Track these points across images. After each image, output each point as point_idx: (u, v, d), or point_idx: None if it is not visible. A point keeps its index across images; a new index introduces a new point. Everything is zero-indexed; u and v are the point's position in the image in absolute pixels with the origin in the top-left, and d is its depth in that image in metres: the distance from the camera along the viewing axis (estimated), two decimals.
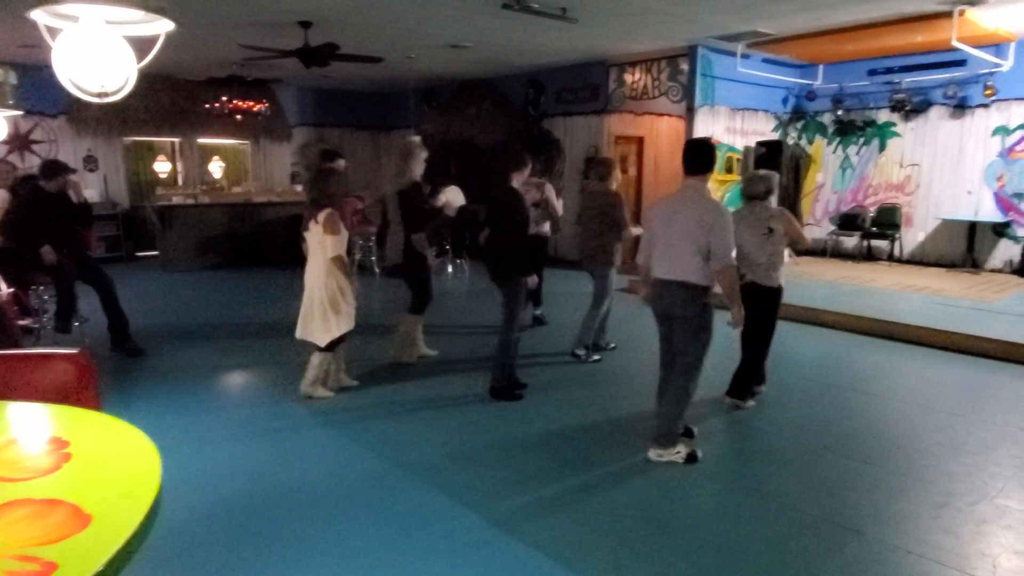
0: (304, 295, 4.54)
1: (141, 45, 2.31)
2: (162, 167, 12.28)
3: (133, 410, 4.31)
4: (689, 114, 9.24)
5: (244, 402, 4.75)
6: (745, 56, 9.18)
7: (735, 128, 9.89)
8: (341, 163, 5.99)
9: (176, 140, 12.38)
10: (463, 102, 12.20)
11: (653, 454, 3.66)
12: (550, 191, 6.68)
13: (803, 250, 7.90)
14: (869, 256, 10.17)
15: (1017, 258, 8.94)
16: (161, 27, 2.19)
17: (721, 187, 9.77)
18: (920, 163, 9.81)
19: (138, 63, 2.23)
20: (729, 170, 9.94)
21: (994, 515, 3.12)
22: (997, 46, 8.36)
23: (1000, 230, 9.14)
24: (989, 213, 9.21)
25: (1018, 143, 8.91)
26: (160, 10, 2.02)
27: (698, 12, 7.19)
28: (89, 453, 1.67)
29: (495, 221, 4.64)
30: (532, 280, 4.58)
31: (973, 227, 9.22)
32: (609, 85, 10.30)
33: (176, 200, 10.52)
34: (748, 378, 4.48)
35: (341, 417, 4.30)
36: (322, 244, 4.39)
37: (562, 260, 10.18)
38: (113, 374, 5.16)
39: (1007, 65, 8.48)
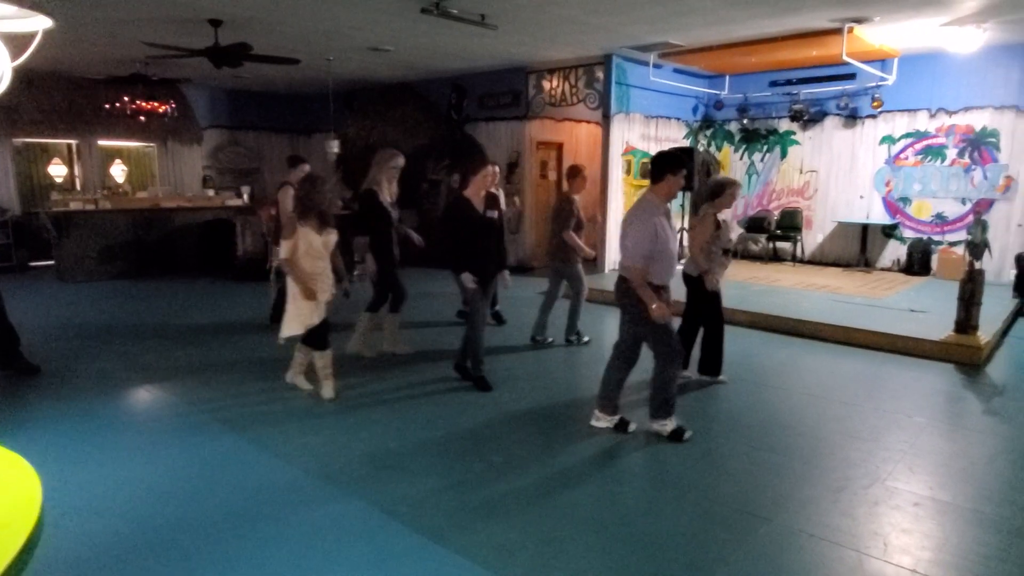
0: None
1: (17, 41, 2.18)
2: (58, 171, 11.49)
3: (23, 435, 4.05)
4: (605, 121, 9.52)
5: (151, 418, 4.50)
6: (657, 66, 9.55)
7: (649, 135, 10.26)
8: (306, 168, 6.33)
9: (74, 142, 11.62)
10: (386, 106, 12.08)
11: (656, 425, 4.12)
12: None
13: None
14: (775, 257, 10.78)
15: (904, 257, 9.70)
16: (38, 23, 2.08)
17: (637, 192, 10.09)
18: (818, 169, 10.50)
19: (13, 60, 2.11)
20: (644, 176, 10.29)
21: (885, 497, 3.39)
22: (883, 61, 9.07)
23: (889, 232, 9.90)
24: (879, 216, 9.96)
25: (902, 151, 9.69)
26: (35, 5, 1.92)
27: (613, 23, 7.43)
28: None
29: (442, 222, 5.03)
30: (465, 278, 4.68)
31: (865, 229, 9.95)
32: (529, 91, 10.46)
33: (74, 206, 9.86)
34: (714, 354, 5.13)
35: (258, 428, 4.18)
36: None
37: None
38: (1, 395, 4.80)
39: (891, 79, 9.22)
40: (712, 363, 5.14)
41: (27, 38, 2.16)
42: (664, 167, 3.93)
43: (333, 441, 4.03)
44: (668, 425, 4.07)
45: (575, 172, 6.00)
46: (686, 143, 10.86)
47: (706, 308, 5.04)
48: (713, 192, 5.00)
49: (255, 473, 3.60)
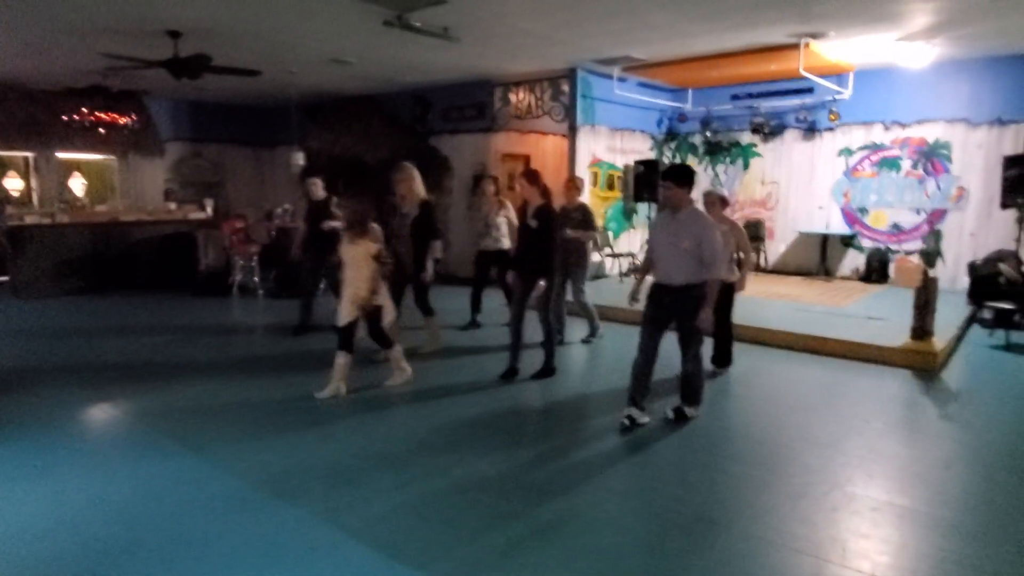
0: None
1: None
2: (13, 184, 11.16)
3: None
4: (571, 133, 9.59)
5: (104, 437, 4.36)
6: (622, 79, 9.67)
7: (615, 147, 10.37)
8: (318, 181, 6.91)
9: (30, 155, 11.31)
10: (349, 118, 12.01)
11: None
12: (509, 209, 7.15)
13: None
14: (739, 266, 10.91)
15: (863, 266, 9.92)
16: None
17: (604, 203, 10.19)
18: (779, 181, 10.71)
19: None
20: (611, 187, 10.39)
21: (844, 502, 3.42)
22: (839, 76, 9.31)
23: (847, 241, 10.12)
24: (838, 226, 10.19)
25: (859, 163, 9.94)
26: None
27: (575, 36, 7.51)
28: None
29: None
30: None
31: (825, 239, 10.16)
32: (495, 104, 10.50)
33: (30, 220, 9.56)
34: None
35: (209, 444, 4.07)
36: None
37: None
38: None
39: (847, 93, 9.47)
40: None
41: None
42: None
43: (291, 456, 3.94)
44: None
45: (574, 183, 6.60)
46: (652, 155, 10.99)
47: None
48: (724, 201, 5.51)
49: (208, 491, 3.49)
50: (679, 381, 4.60)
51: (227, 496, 3.46)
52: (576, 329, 6.89)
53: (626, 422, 4.38)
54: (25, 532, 3.06)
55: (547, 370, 5.55)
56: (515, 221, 7.15)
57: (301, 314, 6.97)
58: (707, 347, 5.04)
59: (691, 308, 4.25)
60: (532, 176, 5.39)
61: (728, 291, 5.43)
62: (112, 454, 4.03)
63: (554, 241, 5.34)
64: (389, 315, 5.22)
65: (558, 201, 6.04)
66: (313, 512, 3.27)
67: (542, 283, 5.22)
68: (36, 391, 5.16)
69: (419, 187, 5.91)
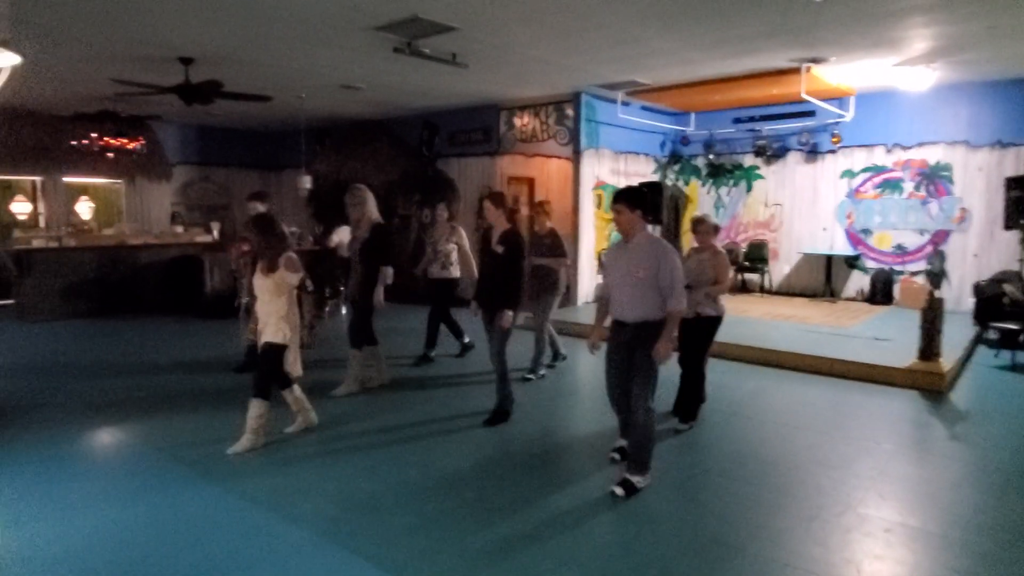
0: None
1: None
2: (21, 208, 11.27)
3: None
4: (576, 156, 9.69)
5: (115, 462, 4.35)
6: (626, 103, 9.79)
7: (619, 170, 10.46)
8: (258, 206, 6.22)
9: (38, 179, 11.44)
10: (357, 142, 12.14)
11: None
12: (461, 236, 6.98)
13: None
14: (743, 288, 10.97)
15: (868, 287, 9.95)
16: (5, 60, 2.06)
17: (607, 226, 10.25)
18: (782, 203, 10.79)
19: None
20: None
21: (857, 524, 3.42)
22: (840, 99, 9.43)
23: (852, 262, 10.16)
24: (842, 247, 10.23)
25: (862, 185, 10.02)
26: (2, 43, 1.91)
27: (581, 62, 7.63)
28: None
29: None
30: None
31: (830, 260, 10.20)
32: (500, 128, 10.62)
33: (37, 243, 9.65)
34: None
35: (226, 471, 4.07)
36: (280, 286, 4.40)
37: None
38: None
39: (849, 116, 9.57)
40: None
41: None
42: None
43: (302, 481, 3.94)
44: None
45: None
46: (655, 178, 11.09)
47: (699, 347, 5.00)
48: (716, 229, 5.21)
49: (217, 515, 3.49)
50: (628, 441, 4.00)
51: (237, 520, 3.45)
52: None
53: (615, 456, 4.20)
54: (34, 559, 3.06)
55: (500, 413, 4.99)
56: (467, 248, 6.99)
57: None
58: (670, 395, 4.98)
59: (644, 347, 3.70)
60: (497, 199, 4.96)
61: (707, 326, 4.92)
62: (120, 479, 4.02)
63: (521, 269, 4.87)
64: (292, 358, 4.55)
65: (559, 225, 6.02)
66: (334, 540, 3.26)
67: (509, 314, 4.72)
68: (41, 414, 5.17)
69: (372, 210, 5.51)
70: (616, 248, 4.00)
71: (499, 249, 4.81)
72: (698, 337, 4.91)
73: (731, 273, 4.77)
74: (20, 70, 2.06)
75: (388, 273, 5.50)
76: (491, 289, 4.87)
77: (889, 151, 9.71)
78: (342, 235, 7.30)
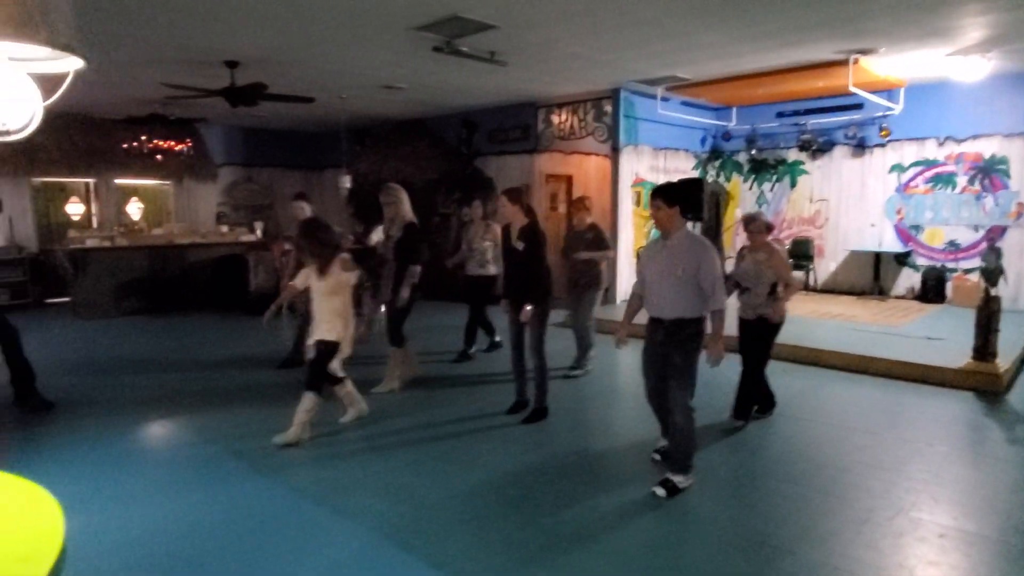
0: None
1: (49, 82, 2.24)
2: (75, 209, 11.71)
3: (39, 468, 4.05)
4: (614, 153, 9.62)
5: (169, 455, 4.50)
6: (665, 99, 9.68)
7: (658, 167, 10.34)
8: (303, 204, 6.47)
9: (91, 181, 11.86)
10: (397, 141, 12.26)
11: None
12: (496, 234, 6.88)
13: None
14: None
15: (918, 285, 9.64)
16: (70, 64, 2.12)
17: (647, 223, 10.15)
18: (828, 198, 10.52)
19: (44, 101, 2.15)
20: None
21: (910, 528, 3.32)
22: (889, 91, 9.14)
23: (902, 259, 9.85)
24: (891, 244, 9.93)
25: (912, 179, 9.70)
26: (68, 48, 1.95)
27: (621, 59, 7.56)
28: None
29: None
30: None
31: (878, 257, 9.91)
32: (539, 125, 10.61)
33: (90, 243, 10.01)
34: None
35: (275, 464, 4.16)
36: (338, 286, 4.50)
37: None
38: (17, 431, 4.83)
39: (898, 108, 9.28)
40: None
41: (58, 79, 2.22)
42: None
43: (351, 475, 4.01)
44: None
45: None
46: (695, 174, 10.93)
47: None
48: (769, 227, 4.96)
49: (271, 507, 3.58)
50: (669, 442, 3.99)
51: (288, 512, 3.53)
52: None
53: (657, 456, 4.17)
54: (99, 543, 3.18)
55: (539, 411, 4.99)
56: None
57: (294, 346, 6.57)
58: (728, 396, 4.93)
59: (681, 346, 3.70)
60: (513, 195, 4.86)
61: (768, 331, 4.79)
62: (173, 469, 4.15)
63: (543, 263, 4.83)
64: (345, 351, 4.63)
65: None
66: (382, 533, 3.31)
67: (528, 308, 4.72)
68: (98, 408, 5.37)
69: (406, 209, 5.61)
70: (654, 245, 3.94)
71: (519, 245, 4.80)
72: (758, 340, 4.81)
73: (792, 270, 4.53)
74: (81, 75, 2.11)
75: (415, 272, 5.52)
76: (518, 286, 4.87)
77: (941, 144, 9.38)
78: (380, 234, 7.39)
